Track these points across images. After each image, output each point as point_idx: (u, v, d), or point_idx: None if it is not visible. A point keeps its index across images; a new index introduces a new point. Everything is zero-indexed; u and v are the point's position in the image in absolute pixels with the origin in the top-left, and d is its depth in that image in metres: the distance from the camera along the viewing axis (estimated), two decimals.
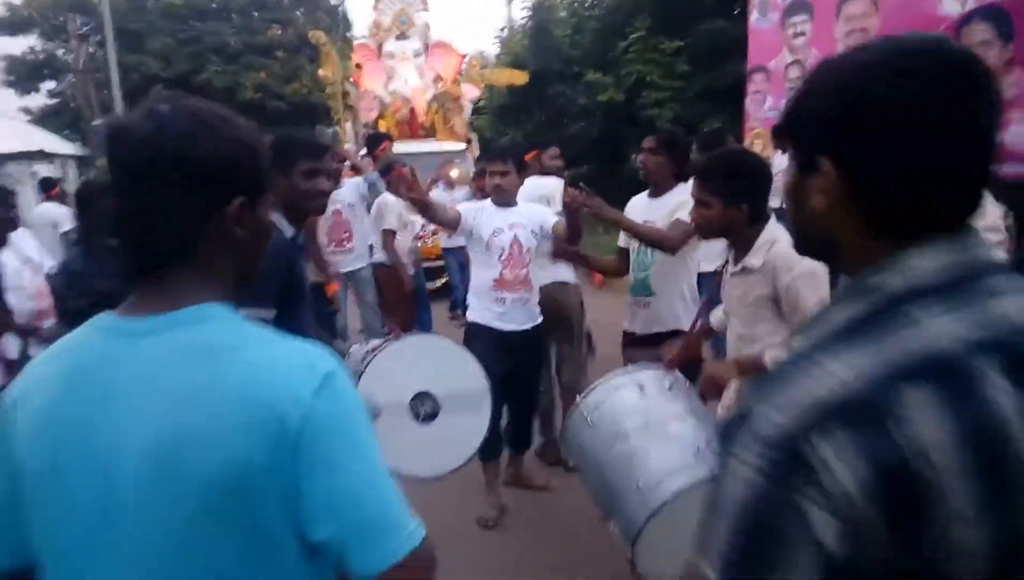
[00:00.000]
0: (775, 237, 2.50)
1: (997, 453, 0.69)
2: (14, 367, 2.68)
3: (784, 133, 0.88)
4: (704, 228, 2.67)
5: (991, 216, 3.44)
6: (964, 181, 0.79)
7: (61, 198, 9.88)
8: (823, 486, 0.68)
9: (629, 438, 2.49)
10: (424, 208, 3.71)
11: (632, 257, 3.69)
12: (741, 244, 2.58)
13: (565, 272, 4.37)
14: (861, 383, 0.71)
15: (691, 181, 3.32)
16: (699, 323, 3.06)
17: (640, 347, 3.50)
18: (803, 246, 0.92)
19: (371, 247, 6.34)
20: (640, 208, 3.69)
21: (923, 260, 0.78)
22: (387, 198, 5.98)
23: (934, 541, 0.69)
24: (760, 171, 2.62)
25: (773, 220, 2.59)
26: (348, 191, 6.15)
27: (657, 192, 3.66)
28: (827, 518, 0.68)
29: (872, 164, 0.79)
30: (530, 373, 4.00)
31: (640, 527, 2.30)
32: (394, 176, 5.75)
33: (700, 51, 14.50)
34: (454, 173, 6.54)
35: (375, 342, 3.19)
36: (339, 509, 0.97)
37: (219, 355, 0.97)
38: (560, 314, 4.28)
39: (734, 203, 2.52)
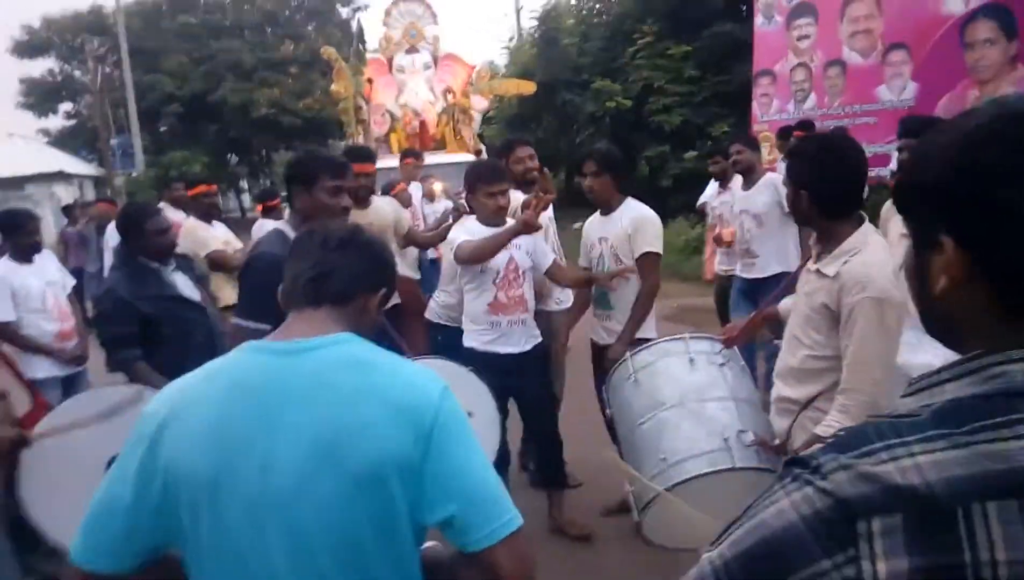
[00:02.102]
0: (861, 246, 2.22)
1: None
2: (38, 387, 2.78)
3: (899, 209, 0.84)
4: (792, 212, 2.50)
5: None
6: None
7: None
8: (860, 568, 0.66)
9: (666, 408, 2.59)
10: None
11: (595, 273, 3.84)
12: (824, 241, 2.34)
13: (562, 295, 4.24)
14: (944, 487, 0.65)
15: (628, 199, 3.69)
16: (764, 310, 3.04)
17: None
18: (929, 327, 0.85)
19: None
20: (596, 227, 3.83)
21: None
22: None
23: None
24: (824, 157, 2.30)
25: (868, 225, 2.32)
26: None
27: (607, 210, 3.77)
28: None
29: (997, 240, 0.72)
30: (537, 395, 3.75)
31: (652, 499, 2.47)
32: (395, 193, 5.96)
33: (707, 55, 14.53)
34: (437, 186, 6.63)
35: None
36: (460, 489, 1.20)
37: (369, 367, 1.26)
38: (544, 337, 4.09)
39: (796, 187, 2.33)
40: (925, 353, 1.84)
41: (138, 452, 1.23)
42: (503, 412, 3.35)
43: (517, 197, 4.21)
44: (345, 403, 1.19)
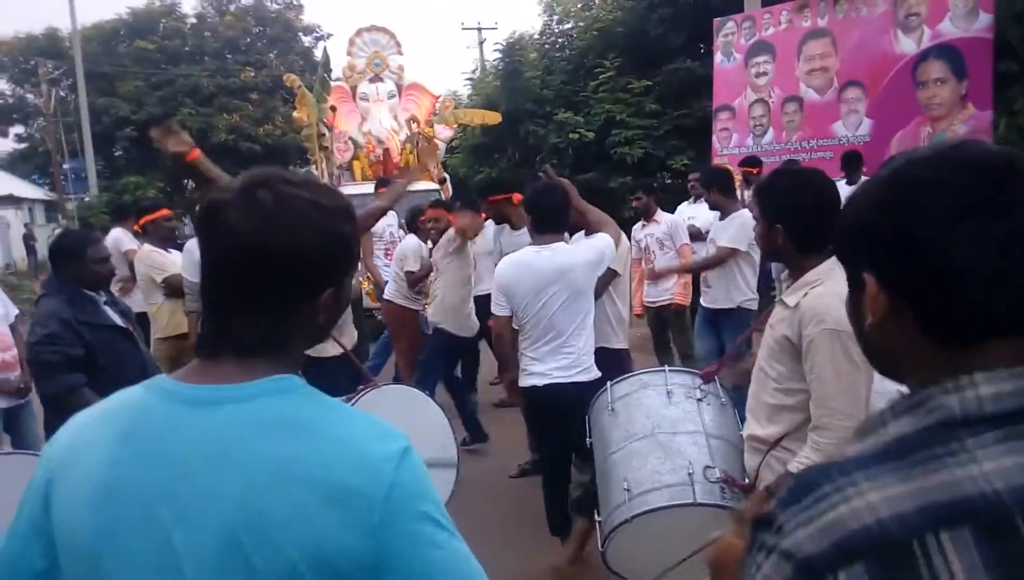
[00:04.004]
0: (824, 277, 2.21)
1: None
2: None
3: (836, 251, 0.88)
4: (761, 246, 2.57)
5: None
6: (1012, 285, 0.73)
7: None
8: None
9: (637, 438, 2.63)
10: None
11: None
12: (792, 273, 2.37)
13: None
14: (896, 523, 0.67)
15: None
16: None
17: None
18: (873, 362, 0.88)
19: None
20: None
21: (985, 384, 0.72)
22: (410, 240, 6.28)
23: None
24: (797, 192, 2.32)
25: (835, 258, 2.31)
26: None
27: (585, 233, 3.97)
28: None
29: (910, 275, 0.76)
30: None
31: (615, 527, 2.53)
32: (421, 221, 6.19)
33: (668, 90, 14.79)
34: None
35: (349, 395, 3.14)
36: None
37: (300, 430, 0.95)
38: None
39: (770, 222, 2.32)
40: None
41: (30, 506, 1.02)
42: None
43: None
44: (268, 480, 0.91)
